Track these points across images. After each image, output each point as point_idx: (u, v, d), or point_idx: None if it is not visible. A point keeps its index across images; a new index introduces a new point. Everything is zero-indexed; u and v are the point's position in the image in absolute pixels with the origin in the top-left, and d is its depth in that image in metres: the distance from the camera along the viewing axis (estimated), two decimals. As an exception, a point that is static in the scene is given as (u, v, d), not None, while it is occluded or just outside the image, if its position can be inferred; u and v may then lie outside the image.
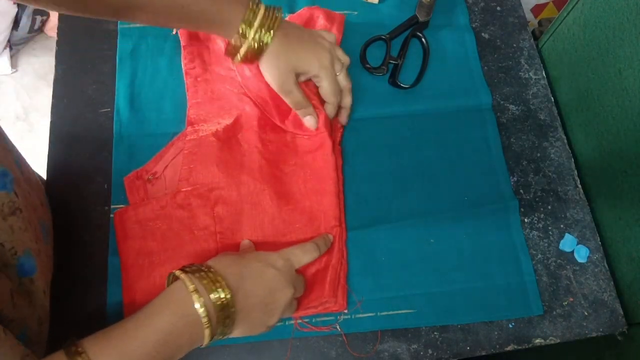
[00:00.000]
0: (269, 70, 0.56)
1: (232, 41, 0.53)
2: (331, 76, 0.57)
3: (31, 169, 0.57)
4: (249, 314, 0.45)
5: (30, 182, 0.53)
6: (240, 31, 0.51)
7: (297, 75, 0.56)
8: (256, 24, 0.51)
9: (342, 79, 0.59)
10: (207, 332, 0.42)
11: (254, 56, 0.54)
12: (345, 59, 0.60)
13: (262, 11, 0.52)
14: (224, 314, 0.43)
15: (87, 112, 0.62)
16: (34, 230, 0.48)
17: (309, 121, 0.59)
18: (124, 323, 0.40)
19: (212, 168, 0.57)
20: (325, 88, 0.57)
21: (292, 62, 0.55)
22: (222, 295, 0.43)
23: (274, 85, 0.57)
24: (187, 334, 0.41)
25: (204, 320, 0.41)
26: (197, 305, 0.41)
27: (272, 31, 0.52)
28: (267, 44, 0.53)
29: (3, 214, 0.43)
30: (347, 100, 0.61)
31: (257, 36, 0.52)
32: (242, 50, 0.53)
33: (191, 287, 0.42)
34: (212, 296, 0.42)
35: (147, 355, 0.39)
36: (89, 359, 0.37)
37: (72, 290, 0.54)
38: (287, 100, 0.58)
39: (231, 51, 0.54)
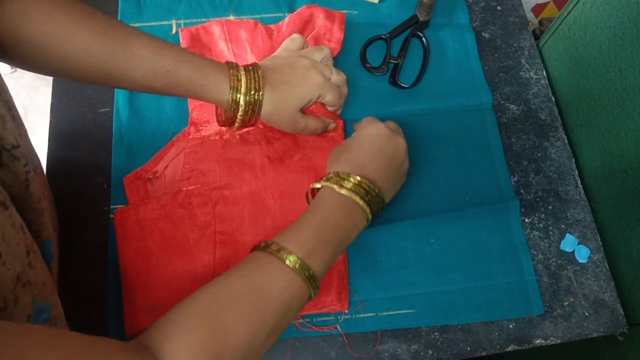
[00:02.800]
0: (276, 123, 0.55)
1: (226, 112, 0.52)
2: (330, 87, 0.56)
3: (42, 168, 0.57)
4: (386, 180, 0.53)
5: (41, 176, 0.53)
6: (231, 100, 0.51)
7: (302, 108, 0.55)
8: (243, 89, 0.51)
9: (336, 78, 0.58)
10: (368, 209, 0.49)
11: (250, 119, 0.53)
12: (325, 53, 0.59)
13: (243, 75, 0.51)
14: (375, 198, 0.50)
15: (86, 112, 0.62)
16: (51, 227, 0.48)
17: (331, 127, 0.60)
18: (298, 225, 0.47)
19: (214, 167, 0.57)
20: (330, 99, 0.57)
21: (292, 103, 0.54)
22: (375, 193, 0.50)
23: (286, 131, 0.57)
24: (349, 218, 0.48)
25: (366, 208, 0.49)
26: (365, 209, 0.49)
27: (261, 92, 0.52)
28: (259, 102, 0.52)
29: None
30: (345, 91, 0.61)
31: (249, 99, 0.51)
32: (239, 118, 0.52)
33: (361, 202, 0.49)
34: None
35: (320, 236, 0.46)
36: (277, 243, 0.44)
37: (71, 290, 0.54)
38: (305, 134, 0.59)
39: (227, 122, 0.54)
